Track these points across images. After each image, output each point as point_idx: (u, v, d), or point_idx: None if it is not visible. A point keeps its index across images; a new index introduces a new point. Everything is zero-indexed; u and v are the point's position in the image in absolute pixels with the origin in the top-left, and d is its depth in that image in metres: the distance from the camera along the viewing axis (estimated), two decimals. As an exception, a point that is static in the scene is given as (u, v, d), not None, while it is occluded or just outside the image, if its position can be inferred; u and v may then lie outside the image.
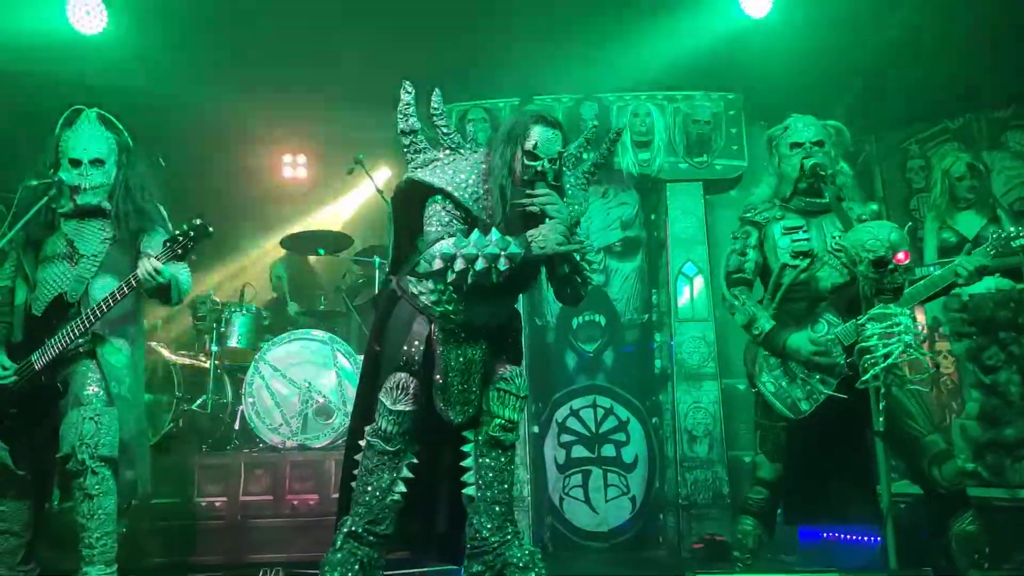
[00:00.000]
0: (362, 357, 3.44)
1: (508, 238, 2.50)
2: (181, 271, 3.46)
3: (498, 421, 2.79)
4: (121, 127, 3.56)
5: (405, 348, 2.78)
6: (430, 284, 2.72)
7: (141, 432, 3.51)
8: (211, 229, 3.20)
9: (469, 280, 2.50)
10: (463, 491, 2.80)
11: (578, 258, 2.70)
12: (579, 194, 2.84)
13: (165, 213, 3.59)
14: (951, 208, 4.47)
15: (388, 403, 2.78)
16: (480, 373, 2.80)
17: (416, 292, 2.79)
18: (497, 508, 2.75)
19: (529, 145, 2.63)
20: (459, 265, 2.48)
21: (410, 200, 2.78)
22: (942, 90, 4.97)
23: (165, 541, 4.13)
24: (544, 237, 2.54)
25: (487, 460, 2.79)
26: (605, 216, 5.31)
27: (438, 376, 2.74)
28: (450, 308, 2.70)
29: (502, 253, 2.47)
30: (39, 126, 3.62)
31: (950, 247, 4.29)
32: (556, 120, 2.73)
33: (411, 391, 2.78)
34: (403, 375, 2.79)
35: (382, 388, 2.81)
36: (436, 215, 2.65)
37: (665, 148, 5.21)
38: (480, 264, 2.46)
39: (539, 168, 2.62)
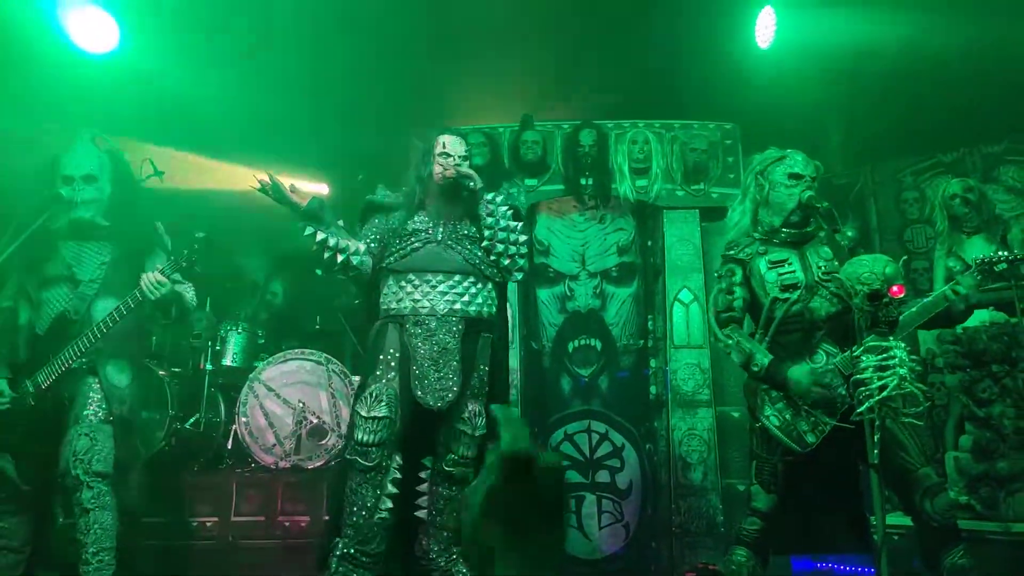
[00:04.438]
0: (357, 378, 3.52)
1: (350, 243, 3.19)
2: (187, 289, 3.56)
3: (451, 457, 3.07)
4: (117, 148, 3.69)
5: (381, 357, 3.04)
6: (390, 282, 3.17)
7: (133, 453, 3.55)
8: (211, 242, 3.39)
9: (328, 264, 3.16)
10: (415, 513, 3.06)
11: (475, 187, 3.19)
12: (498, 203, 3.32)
13: (163, 231, 3.62)
14: (957, 235, 4.45)
15: (363, 412, 2.97)
16: (457, 361, 3.03)
17: (386, 307, 3.13)
18: (445, 533, 3.04)
19: (439, 149, 3.27)
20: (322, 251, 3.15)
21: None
22: (936, 123, 5.04)
23: (156, 560, 4.10)
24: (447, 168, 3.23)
25: (441, 490, 3.07)
26: (602, 242, 5.32)
27: (414, 367, 3.00)
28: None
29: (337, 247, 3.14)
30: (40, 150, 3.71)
31: (955, 275, 4.29)
32: (458, 131, 3.41)
33: (384, 399, 2.94)
34: (377, 385, 3.00)
35: (357, 401, 3.02)
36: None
37: (662, 175, 5.24)
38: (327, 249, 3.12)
39: (454, 162, 3.24)
